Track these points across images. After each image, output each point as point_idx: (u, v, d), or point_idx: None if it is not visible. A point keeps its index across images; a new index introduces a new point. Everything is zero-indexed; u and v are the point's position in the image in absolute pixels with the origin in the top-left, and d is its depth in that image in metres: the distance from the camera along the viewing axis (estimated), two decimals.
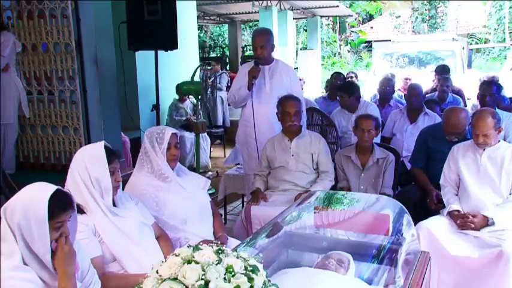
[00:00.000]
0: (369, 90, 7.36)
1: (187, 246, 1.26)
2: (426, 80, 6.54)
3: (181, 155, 5.91)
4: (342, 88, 4.32)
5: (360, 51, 19.74)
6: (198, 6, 8.69)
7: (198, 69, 5.25)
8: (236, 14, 13.13)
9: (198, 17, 10.78)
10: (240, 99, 3.54)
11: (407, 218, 2.12)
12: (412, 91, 4.23)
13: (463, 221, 2.58)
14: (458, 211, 2.67)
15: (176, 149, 2.38)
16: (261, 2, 10.75)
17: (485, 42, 18.69)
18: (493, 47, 18.14)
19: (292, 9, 12.36)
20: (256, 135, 3.43)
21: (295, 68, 10.69)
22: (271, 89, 3.48)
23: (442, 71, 5.93)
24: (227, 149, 7.16)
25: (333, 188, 3.22)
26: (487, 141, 2.59)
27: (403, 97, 5.57)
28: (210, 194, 2.87)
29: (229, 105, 8.34)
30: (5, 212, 1.43)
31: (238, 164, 4.47)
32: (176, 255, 1.23)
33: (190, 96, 6.02)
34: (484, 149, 2.65)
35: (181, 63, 6.65)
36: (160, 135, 2.34)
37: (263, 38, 3.45)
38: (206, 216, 2.49)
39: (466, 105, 5.22)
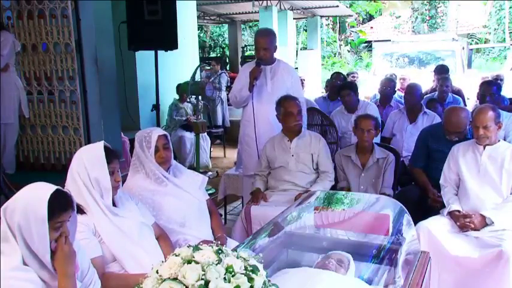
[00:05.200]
0: (369, 90, 7.36)
1: (187, 246, 1.26)
2: (426, 80, 6.54)
3: (181, 155, 5.94)
4: (345, 86, 4.35)
5: (360, 51, 19.75)
6: (198, 6, 8.70)
7: (199, 68, 5.25)
8: (236, 14, 13.13)
9: (198, 17, 10.78)
10: (242, 99, 3.54)
11: (407, 218, 2.12)
12: (407, 90, 4.29)
13: (462, 223, 2.58)
14: (458, 211, 2.67)
15: (165, 151, 2.34)
16: (261, 2, 10.75)
17: (485, 42, 18.70)
18: (493, 47, 18.15)
19: (292, 9, 12.37)
20: (256, 135, 3.43)
21: (295, 68, 10.68)
22: (272, 89, 3.47)
23: (441, 71, 5.92)
24: (227, 149, 7.17)
25: (333, 188, 3.22)
26: (487, 133, 2.59)
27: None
28: (210, 194, 2.86)
29: (229, 105, 8.36)
30: (5, 212, 1.43)
31: None
32: (176, 255, 1.23)
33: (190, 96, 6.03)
34: (484, 148, 2.65)
35: (181, 63, 6.65)
36: (147, 138, 2.31)
37: (266, 40, 3.44)
38: (204, 217, 2.48)
39: (465, 105, 5.21)
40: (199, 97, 5.01)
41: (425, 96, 5.14)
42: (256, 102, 3.44)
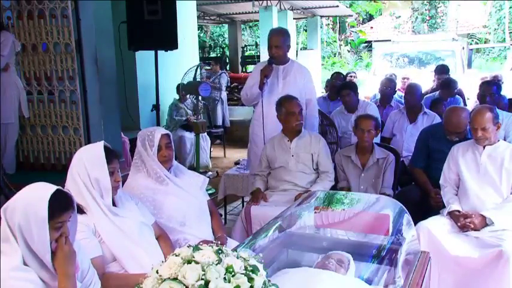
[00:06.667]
0: (369, 90, 7.36)
1: (187, 246, 1.26)
2: (426, 80, 6.53)
3: (181, 155, 5.94)
4: (345, 86, 4.36)
5: (360, 51, 19.75)
6: (198, 6, 8.69)
7: (198, 68, 5.24)
8: (236, 14, 13.13)
9: (198, 17, 10.77)
10: (252, 97, 3.54)
11: (407, 218, 2.12)
12: (407, 89, 4.31)
13: (463, 223, 2.58)
14: (458, 211, 2.67)
15: (167, 150, 2.35)
16: (261, 2, 10.74)
17: (485, 42, 18.70)
18: (493, 47, 18.15)
19: (292, 9, 12.36)
20: (265, 134, 3.43)
21: None
22: (283, 89, 3.46)
23: (442, 71, 5.92)
24: (227, 149, 7.17)
25: (333, 188, 3.22)
26: (486, 135, 2.59)
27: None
28: (210, 194, 2.86)
29: (229, 105, 8.35)
30: (5, 212, 1.43)
31: (238, 163, 4.47)
32: (176, 255, 1.23)
33: (190, 96, 6.02)
34: (484, 148, 2.65)
35: (181, 63, 6.65)
36: (150, 137, 2.33)
37: (279, 38, 3.44)
38: (205, 217, 2.48)
39: (466, 105, 5.21)
40: (199, 97, 5.01)
41: (426, 96, 5.14)
42: (266, 101, 3.42)
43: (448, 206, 2.73)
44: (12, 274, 1.37)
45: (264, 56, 9.51)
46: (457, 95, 5.24)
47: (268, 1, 10.83)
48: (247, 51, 15.11)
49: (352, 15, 18.02)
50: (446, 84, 5.09)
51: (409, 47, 9.97)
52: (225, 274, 1.17)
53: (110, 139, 4.10)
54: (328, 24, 20.65)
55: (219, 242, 1.35)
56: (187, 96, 6.13)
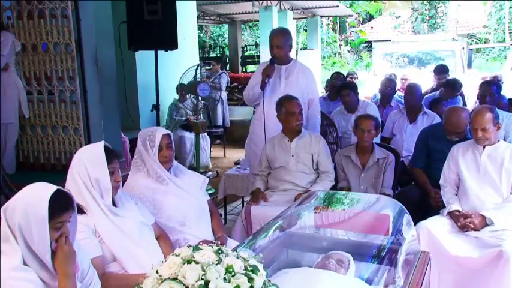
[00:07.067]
0: (369, 90, 7.36)
1: (187, 246, 1.26)
2: (426, 80, 6.53)
3: (181, 155, 5.94)
4: (345, 86, 4.36)
5: (360, 51, 19.75)
6: (198, 6, 8.69)
7: (198, 68, 5.25)
8: (236, 14, 13.12)
9: (198, 17, 10.77)
10: (254, 97, 3.54)
11: (407, 218, 2.12)
12: (407, 89, 4.31)
13: (463, 223, 2.58)
14: (458, 211, 2.67)
15: (168, 150, 2.36)
16: (261, 2, 10.74)
17: (485, 42, 18.71)
18: (493, 47, 18.15)
19: (292, 9, 12.36)
20: (266, 134, 3.42)
21: None
22: (285, 89, 3.45)
23: (441, 71, 5.92)
24: (227, 149, 7.17)
25: (333, 188, 3.22)
26: (486, 135, 2.59)
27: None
28: (210, 194, 2.86)
29: (229, 105, 8.35)
30: (5, 212, 1.43)
31: (238, 163, 4.47)
32: (176, 255, 1.23)
33: (190, 96, 6.03)
34: (483, 148, 2.65)
35: (181, 63, 6.65)
36: (151, 137, 2.33)
37: (280, 38, 3.44)
38: (205, 217, 2.49)
39: (466, 105, 5.21)
40: (199, 97, 5.01)
41: (426, 96, 5.14)
42: (268, 101, 3.41)
43: (448, 206, 2.73)
44: (12, 274, 1.37)
45: (264, 56, 9.52)
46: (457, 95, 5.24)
47: (268, 1, 10.83)
48: (247, 51, 15.10)
49: (352, 15, 18.02)
50: (451, 84, 5.01)
51: (409, 47, 9.97)
52: (225, 274, 1.17)
53: (110, 139, 4.10)
54: (328, 24, 20.65)
55: (219, 242, 1.35)
56: (187, 96, 6.14)
